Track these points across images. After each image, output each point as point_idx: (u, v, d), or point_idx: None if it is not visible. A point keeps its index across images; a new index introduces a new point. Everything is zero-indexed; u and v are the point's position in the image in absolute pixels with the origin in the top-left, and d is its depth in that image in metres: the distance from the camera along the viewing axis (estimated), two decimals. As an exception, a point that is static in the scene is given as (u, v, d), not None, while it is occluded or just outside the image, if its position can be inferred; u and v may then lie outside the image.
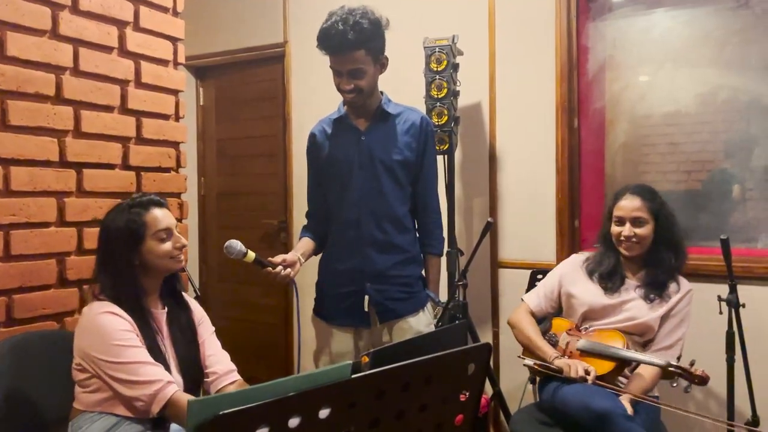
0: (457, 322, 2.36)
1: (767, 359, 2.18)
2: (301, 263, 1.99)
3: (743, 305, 1.96)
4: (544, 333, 2.15)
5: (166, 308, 1.72)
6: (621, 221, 2.09)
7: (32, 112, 1.92)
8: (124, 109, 2.21)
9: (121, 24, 2.19)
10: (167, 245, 1.64)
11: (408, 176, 2.07)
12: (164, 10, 2.35)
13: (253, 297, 3.76)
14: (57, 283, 1.99)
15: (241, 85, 3.82)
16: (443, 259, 2.26)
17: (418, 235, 2.16)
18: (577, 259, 2.26)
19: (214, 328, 1.81)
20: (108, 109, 2.15)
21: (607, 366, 1.96)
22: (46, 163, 1.96)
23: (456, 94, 2.68)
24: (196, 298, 1.94)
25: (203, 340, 1.76)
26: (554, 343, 2.10)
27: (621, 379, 2.03)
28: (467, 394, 1.11)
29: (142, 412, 1.51)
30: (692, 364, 1.86)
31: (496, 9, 2.90)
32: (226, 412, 0.79)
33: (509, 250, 2.90)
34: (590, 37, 2.82)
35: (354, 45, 1.89)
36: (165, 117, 2.36)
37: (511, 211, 2.90)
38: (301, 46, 3.46)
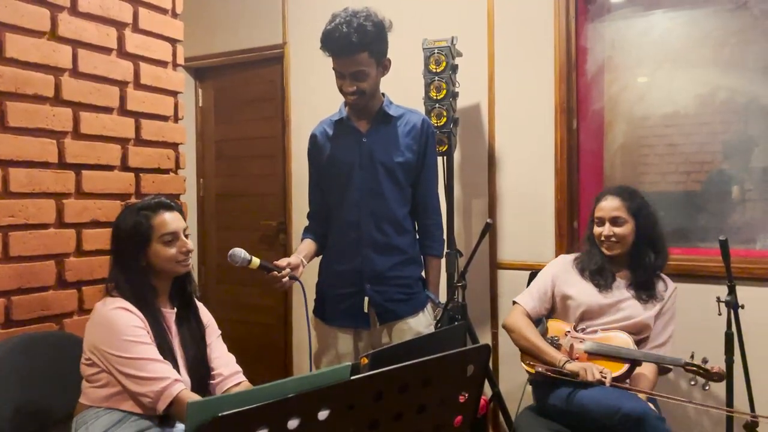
0: (456, 323, 2.36)
1: (766, 360, 2.18)
2: (304, 265, 1.99)
3: (742, 306, 1.97)
4: (542, 336, 2.14)
5: (175, 309, 1.73)
6: (601, 221, 2.16)
7: (31, 114, 1.91)
8: (123, 111, 2.21)
9: (120, 25, 2.19)
10: (172, 250, 1.65)
11: (408, 178, 2.08)
12: (163, 11, 2.35)
13: (252, 298, 3.76)
14: (56, 285, 1.99)
15: (240, 87, 3.82)
16: (442, 261, 2.26)
17: (418, 236, 2.16)
18: (567, 259, 2.27)
19: (220, 332, 1.83)
20: (107, 110, 2.15)
21: (618, 367, 1.97)
22: (45, 165, 1.96)
23: (455, 95, 2.68)
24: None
25: (210, 343, 1.77)
26: (557, 347, 2.08)
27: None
28: (466, 395, 1.11)
29: (149, 408, 1.53)
30: (705, 361, 1.92)
31: (495, 10, 2.90)
32: (225, 413, 0.79)
33: (508, 251, 2.90)
34: (589, 38, 2.83)
35: (357, 47, 1.90)
36: (164, 118, 2.36)
37: (510, 212, 2.90)
38: (301, 48, 3.46)
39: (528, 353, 2.11)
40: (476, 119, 2.95)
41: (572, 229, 2.79)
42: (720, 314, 1.98)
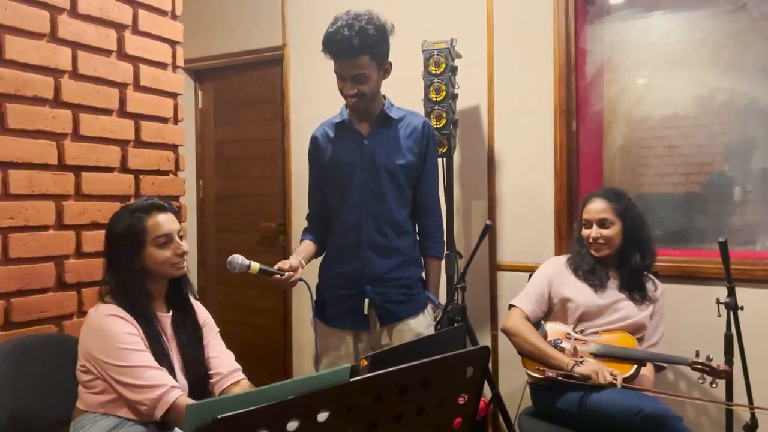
0: (455, 324, 2.36)
1: (766, 361, 2.18)
2: (302, 266, 1.99)
3: (742, 308, 1.97)
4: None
5: (171, 312, 1.71)
6: (588, 224, 2.19)
7: (31, 116, 1.92)
8: (123, 113, 2.21)
9: (119, 27, 2.19)
10: (167, 252, 1.63)
11: (409, 180, 2.08)
12: (163, 13, 2.35)
13: (252, 300, 3.76)
14: (55, 287, 1.99)
15: (240, 88, 3.83)
16: (442, 262, 2.26)
17: (418, 237, 2.16)
18: (560, 261, 2.28)
19: (218, 329, 1.81)
20: (107, 112, 2.15)
21: (627, 368, 1.98)
22: (45, 167, 1.96)
23: (454, 97, 2.68)
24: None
25: (207, 342, 1.76)
26: (560, 350, 2.07)
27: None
28: (466, 397, 1.11)
29: (146, 415, 1.52)
30: (710, 359, 1.93)
31: (494, 12, 2.90)
32: (223, 416, 0.79)
33: (508, 252, 2.90)
34: (588, 40, 2.83)
35: (359, 50, 1.90)
36: (164, 120, 2.36)
37: (510, 214, 2.90)
38: (300, 49, 3.46)
39: (532, 357, 2.09)
40: (476, 121, 2.95)
41: (572, 231, 2.79)
42: (719, 316, 1.98)
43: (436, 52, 2.63)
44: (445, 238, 2.24)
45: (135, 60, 2.24)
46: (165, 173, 2.36)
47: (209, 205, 3.99)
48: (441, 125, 2.63)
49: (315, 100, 3.33)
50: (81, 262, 2.05)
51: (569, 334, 2.12)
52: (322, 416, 0.88)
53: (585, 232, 2.20)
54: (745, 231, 2.60)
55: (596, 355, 2.02)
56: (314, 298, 2.07)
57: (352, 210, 2.05)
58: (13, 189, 1.87)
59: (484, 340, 2.92)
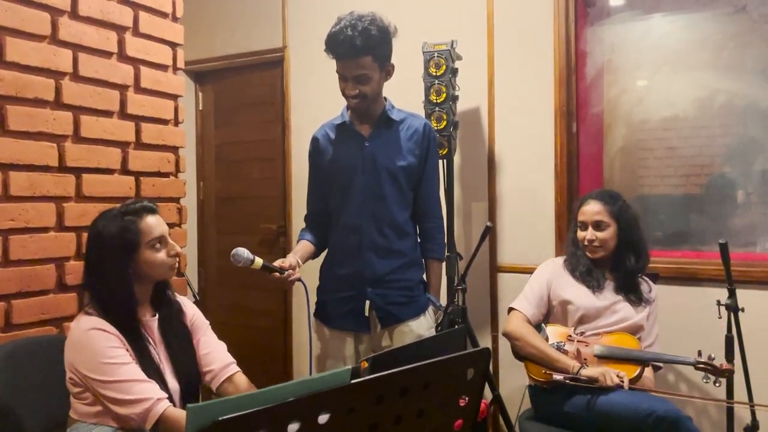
0: (456, 326, 2.36)
1: (766, 363, 2.18)
2: (299, 266, 1.99)
3: (742, 309, 1.97)
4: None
5: (157, 315, 1.68)
6: (584, 226, 2.19)
7: (31, 117, 1.92)
8: (124, 114, 2.21)
9: (120, 29, 2.19)
10: (162, 254, 1.61)
11: (410, 182, 2.08)
12: (163, 15, 2.35)
13: (252, 302, 3.76)
14: (56, 288, 1.99)
15: (240, 90, 3.83)
16: (443, 264, 2.26)
17: (419, 239, 2.16)
18: (557, 263, 2.28)
19: (208, 322, 1.78)
20: (107, 114, 2.15)
21: (631, 369, 1.98)
22: (45, 168, 1.96)
23: (455, 98, 2.68)
24: (195, 302, 1.93)
25: (198, 339, 1.73)
26: (563, 353, 2.06)
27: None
28: (466, 399, 1.11)
29: (136, 427, 1.50)
30: (712, 359, 1.94)
31: (494, 14, 2.90)
32: (224, 417, 0.79)
33: (508, 254, 2.90)
34: (588, 41, 2.83)
35: (361, 51, 1.90)
36: (164, 122, 2.36)
37: (510, 216, 2.90)
38: (301, 51, 3.46)
39: (535, 361, 2.07)
40: (476, 122, 2.96)
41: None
42: (720, 317, 1.98)
43: (436, 54, 2.63)
44: (445, 240, 2.24)
45: (135, 62, 2.25)
46: (165, 175, 2.37)
47: (209, 207, 3.99)
48: (441, 127, 2.63)
49: (315, 101, 3.33)
50: (81, 264, 2.03)
51: (571, 336, 2.11)
52: (323, 418, 0.88)
53: (580, 234, 2.20)
54: (746, 233, 2.60)
55: (600, 357, 2.02)
56: (310, 298, 2.05)
57: (352, 211, 2.05)
58: (14, 191, 1.87)
59: (485, 341, 2.92)
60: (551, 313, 2.22)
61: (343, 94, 2.01)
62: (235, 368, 1.74)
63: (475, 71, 2.89)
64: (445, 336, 1.73)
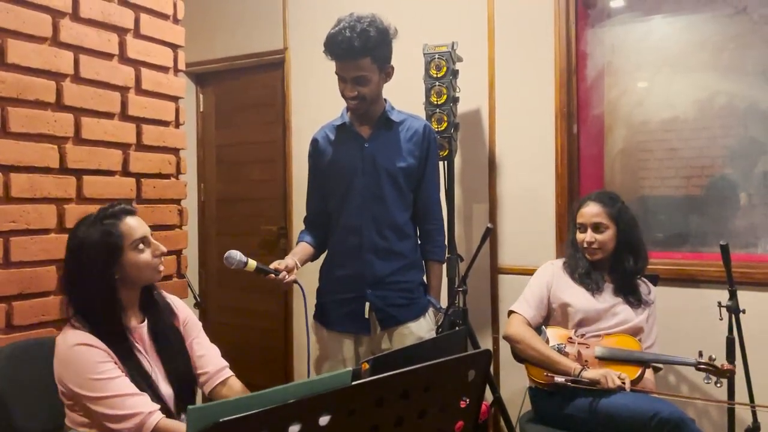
0: (457, 328, 2.36)
1: (767, 365, 2.18)
2: (298, 267, 1.99)
3: (743, 311, 1.97)
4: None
5: (146, 320, 1.64)
6: (583, 228, 2.19)
7: (32, 119, 1.92)
8: (125, 116, 2.21)
9: (121, 31, 2.19)
10: (146, 254, 1.58)
11: (410, 183, 2.08)
12: (164, 17, 2.35)
13: (253, 303, 3.76)
14: (57, 290, 1.98)
15: (241, 92, 3.83)
16: (443, 265, 2.25)
17: (419, 241, 2.16)
18: (557, 265, 2.28)
19: (201, 324, 1.77)
20: (108, 115, 2.15)
21: (633, 371, 1.98)
22: (46, 170, 1.96)
23: (455, 100, 2.69)
24: (196, 304, 1.93)
25: (191, 341, 1.71)
26: (564, 355, 2.06)
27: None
28: (467, 400, 1.11)
29: None
30: (713, 359, 1.94)
31: (495, 15, 2.91)
32: (225, 419, 0.79)
33: (509, 256, 2.90)
34: (589, 43, 2.83)
35: (360, 52, 1.90)
36: (165, 123, 2.36)
37: (511, 217, 2.90)
38: (301, 53, 3.47)
39: (537, 364, 2.07)
40: (477, 124, 2.96)
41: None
42: (721, 319, 1.98)
43: (437, 56, 2.64)
44: (446, 242, 2.24)
45: (136, 63, 2.25)
46: (166, 176, 2.37)
47: (210, 209, 4.00)
48: (442, 128, 2.64)
49: (316, 103, 3.33)
50: (82, 266, 2.05)
51: (572, 338, 2.11)
52: (323, 420, 0.88)
53: (579, 236, 2.20)
54: (746, 234, 2.59)
55: (601, 359, 2.02)
56: (307, 300, 2.05)
57: (352, 213, 2.05)
58: (15, 192, 1.87)
59: (486, 343, 2.92)
60: (551, 315, 2.22)
61: (343, 96, 2.01)
62: (229, 372, 1.73)
63: (475, 73, 2.89)
64: (445, 337, 1.73)
